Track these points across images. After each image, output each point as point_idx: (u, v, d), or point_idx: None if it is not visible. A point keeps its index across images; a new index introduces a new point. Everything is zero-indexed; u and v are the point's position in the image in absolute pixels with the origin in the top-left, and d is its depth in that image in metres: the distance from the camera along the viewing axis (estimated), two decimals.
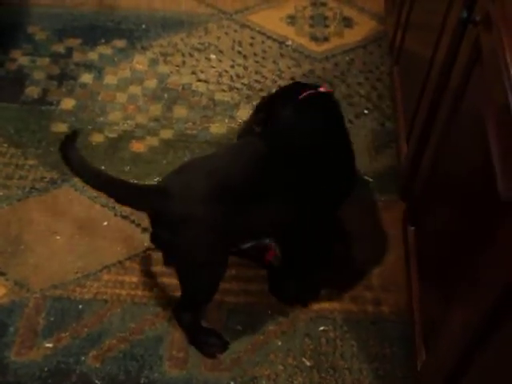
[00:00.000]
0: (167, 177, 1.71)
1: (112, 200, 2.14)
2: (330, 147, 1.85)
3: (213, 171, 1.68)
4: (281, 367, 1.82)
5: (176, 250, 1.67)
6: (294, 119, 1.90)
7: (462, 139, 1.49)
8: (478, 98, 1.34)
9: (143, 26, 2.84)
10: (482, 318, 1.20)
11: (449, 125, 1.59)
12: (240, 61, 2.70)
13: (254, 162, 1.73)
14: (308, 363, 1.83)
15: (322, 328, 1.90)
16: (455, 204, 1.51)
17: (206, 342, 1.85)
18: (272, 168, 1.72)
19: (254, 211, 1.68)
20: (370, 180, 2.26)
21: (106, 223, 2.12)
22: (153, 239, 1.84)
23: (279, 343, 1.86)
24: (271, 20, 2.89)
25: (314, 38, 2.81)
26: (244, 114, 2.47)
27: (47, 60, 2.67)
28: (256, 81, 2.62)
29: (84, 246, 2.06)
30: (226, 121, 2.46)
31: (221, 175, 1.67)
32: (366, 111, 2.51)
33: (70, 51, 2.71)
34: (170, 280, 1.96)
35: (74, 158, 1.68)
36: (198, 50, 2.74)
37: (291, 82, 2.59)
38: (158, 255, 1.97)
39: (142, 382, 1.78)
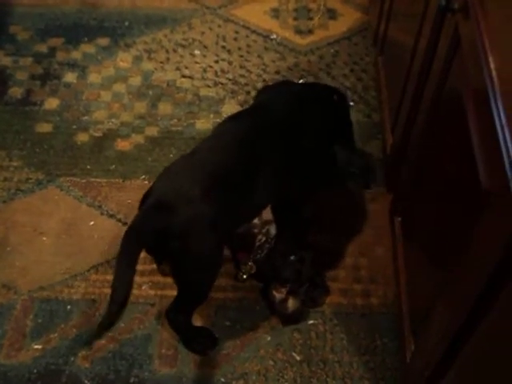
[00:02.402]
0: (157, 188, 1.67)
1: (98, 199, 2.17)
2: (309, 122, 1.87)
3: (200, 165, 1.67)
4: (271, 362, 1.81)
5: (188, 256, 1.62)
6: (274, 98, 1.92)
7: (445, 128, 1.48)
8: (458, 86, 1.33)
9: (126, 24, 2.82)
10: (469, 307, 1.19)
11: (432, 114, 1.59)
12: (224, 56, 2.69)
13: (237, 144, 1.72)
14: (298, 357, 1.82)
15: (311, 322, 1.89)
16: (440, 193, 1.50)
17: (197, 340, 1.84)
18: (257, 146, 1.73)
19: (249, 190, 1.69)
20: (357, 172, 2.25)
21: (92, 223, 2.11)
22: (153, 252, 1.80)
23: (268, 338, 1.86)
24: (255, 14, 2.88)
25: (299, 31, 2.80)
26: (229, 109, 2.46)
27: (30, 60, 2.65)
28: (241, 75, 2.61)
29: (71, 246, 2.05)
30: (212, 116, 2.45)
31: (209, 167, 1.66)
32: (351, 103, 2.49)
33: (53, 51, 2.70)
34: (158, 278, 1.95)
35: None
36: (182, 46, 2.73)
37: (276, 75, 2.59)
38: (144, 254, 1.95)
39: (131, 381, 1.77)
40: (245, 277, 1.93)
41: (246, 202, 1.71)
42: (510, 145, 0.99)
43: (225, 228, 1.68)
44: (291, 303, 1.86)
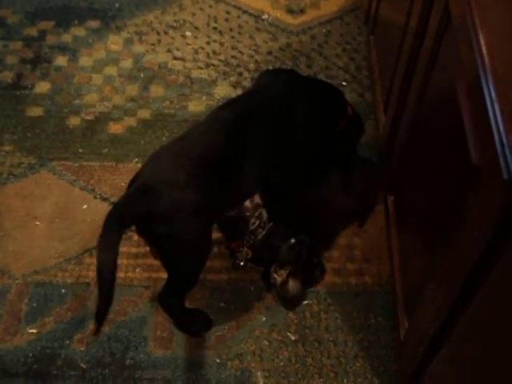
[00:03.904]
0: (143, 172, 1.65)
1: (91, 183, 2.16)
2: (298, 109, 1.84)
3: (187, 150, 1.65)
4: (266, 342, 1.82)
5: (173, 241, 1.60)
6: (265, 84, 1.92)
7: (437, 106, 1.48)
8: (449, 63, 1.33)
9: (116, 5, 2.81)
10: (462, 284, 1.20)
11: (423, 92, 1.58)
12: (216, 37, 2.68)
13: (225, 130, 1.70)
14: (293, 337, 1.83)
15: (305, 302, 1.90)
16: (432, 172, 1.50)
17: (191, 322, 1.84)
18: (245, 133, 1.71)
19: (236, 177, 1.68)
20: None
21: (85, 206, 2.11)
22: (145, 236, 1.77)
23: (263, 319, 1.86)
24: None
25: (290, 11, 2.79)
26: (221, 90, 2.45)
27: (20, 44, 2.64)
28: (233, 56, 2.59)
29: (64, 230, 2.05)
30: (204, 98, 2.44)
31: (196, 152, 1.64)
32: (344, 83, 2.49)
33: (43, 34, 2.68)
34: (152, 261, 1.95)
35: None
36: (173, 28, 2.71)
37: (268, 56, 2.58)
38: (138, 237, 1.96)
39: (127, 363, 1.78)
40: (242, 264, 1.93)
41: (234, 187, 1.69)
42: (499, 120, 0.99)
43: (212, 213, 1.67)
44: (291, 285, 1.86)
